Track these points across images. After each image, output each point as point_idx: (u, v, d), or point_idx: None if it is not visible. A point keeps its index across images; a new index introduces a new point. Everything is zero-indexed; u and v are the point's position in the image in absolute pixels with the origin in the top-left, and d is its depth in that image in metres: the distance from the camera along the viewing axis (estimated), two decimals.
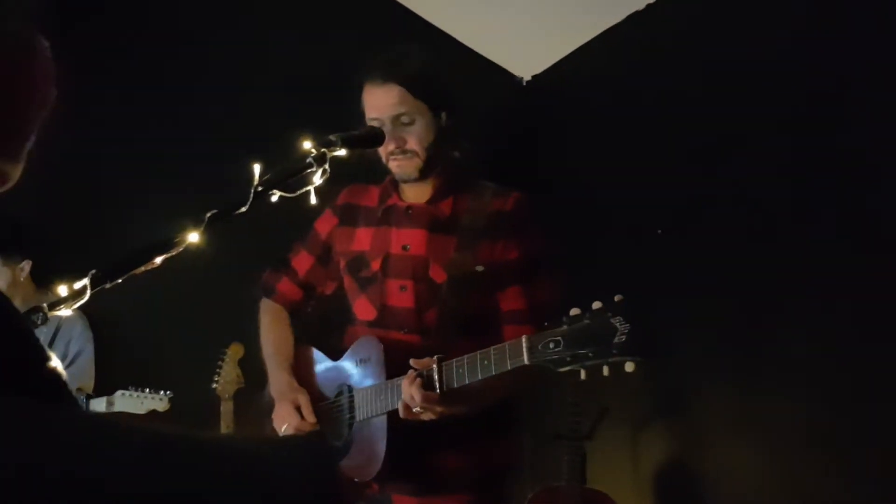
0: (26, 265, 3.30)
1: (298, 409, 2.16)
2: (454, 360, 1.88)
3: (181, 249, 1.46)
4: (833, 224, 2.78)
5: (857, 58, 2.72)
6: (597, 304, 1.67)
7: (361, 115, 2.11)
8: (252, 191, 1.50)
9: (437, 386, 1.88)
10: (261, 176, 1.52)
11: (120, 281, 1.44)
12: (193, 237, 1.46)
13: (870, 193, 2.69)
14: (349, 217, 2.27)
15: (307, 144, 1.60)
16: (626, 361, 1.61)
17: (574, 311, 1.70)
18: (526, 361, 1.75)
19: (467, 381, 1.85)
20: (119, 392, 3.12)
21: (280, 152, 1.64)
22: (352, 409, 2.13)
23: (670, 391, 3.35)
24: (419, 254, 2.12)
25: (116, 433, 0.65)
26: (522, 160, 3.77)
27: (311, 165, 1.58)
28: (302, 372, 2.29)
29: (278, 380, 2.26)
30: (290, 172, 1.57)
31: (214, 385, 3.15)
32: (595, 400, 3.25)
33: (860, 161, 2.69)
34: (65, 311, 1.44)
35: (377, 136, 2.00)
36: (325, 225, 2.31)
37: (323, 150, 1.60)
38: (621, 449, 3.50)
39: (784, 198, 2.93)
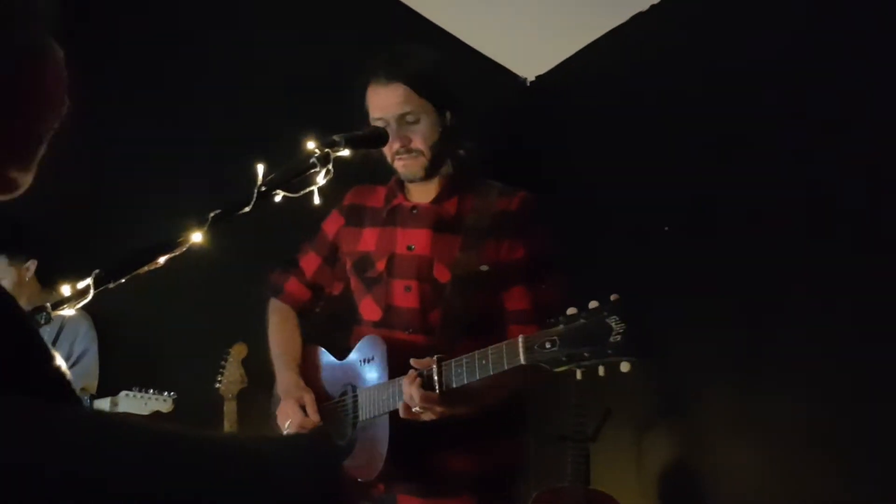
0: (31, 265, 3.29)
1: (303, 407, 2.16)
2: (453, 360, 1.88)
3: (185, 249, 1.46)
4: (833, 224, 2.77)
5: (857, 58, 2.71)
6: (593, 304, 1.66)
7: (365, 115, 2.11)
8: (255, 191, 1.50)
9: (437, 386, 1.88)
10: (264, 176, 1.52)
11: (123, 281, 1.45)
12: (197, 237, 1.46)
13: (870, 193, 2.68)
14: (355, 217, 2.28)
15: (311, 145, 1.60)
16: (621, 361, 1.60)
17: (571, 311, 1.69)
18: (522, 361, 1.75)
19: (466, 381, 1.85)
20: (123, 393, 3.12)
21: (281, 152, 1.64)
22: (356, 408, 2.14)
23: (672, 392, 3.35)
24: (424, 254, 2.11)
25: (119, 433, 0.65)
26: (526, 160, 3.76)
27: (314, 166, 1.58)
28: (309, 371, 2.29)
29: (285, 379, 2.26)
30: (294, 172, 1.57)
31: (218, 385, 3.15)
32: (598, 401, 3.25)
33: (861, 161, 2.69)
34: (68, 311, 1.44)
35: (381, 137, 2.00)
36: (332, 225, 2.32)
37: (326, 150, 1.60)
38: (625, 450, 3.50)
39: (786, 198, 2.92)
